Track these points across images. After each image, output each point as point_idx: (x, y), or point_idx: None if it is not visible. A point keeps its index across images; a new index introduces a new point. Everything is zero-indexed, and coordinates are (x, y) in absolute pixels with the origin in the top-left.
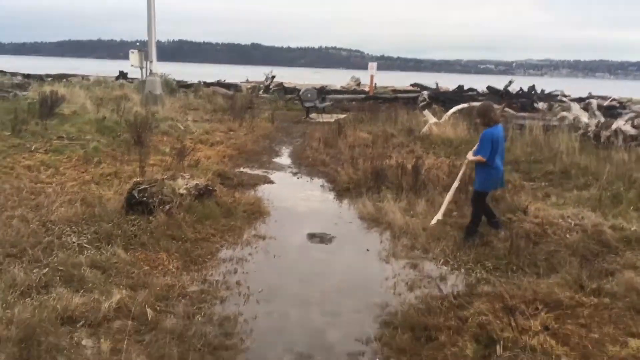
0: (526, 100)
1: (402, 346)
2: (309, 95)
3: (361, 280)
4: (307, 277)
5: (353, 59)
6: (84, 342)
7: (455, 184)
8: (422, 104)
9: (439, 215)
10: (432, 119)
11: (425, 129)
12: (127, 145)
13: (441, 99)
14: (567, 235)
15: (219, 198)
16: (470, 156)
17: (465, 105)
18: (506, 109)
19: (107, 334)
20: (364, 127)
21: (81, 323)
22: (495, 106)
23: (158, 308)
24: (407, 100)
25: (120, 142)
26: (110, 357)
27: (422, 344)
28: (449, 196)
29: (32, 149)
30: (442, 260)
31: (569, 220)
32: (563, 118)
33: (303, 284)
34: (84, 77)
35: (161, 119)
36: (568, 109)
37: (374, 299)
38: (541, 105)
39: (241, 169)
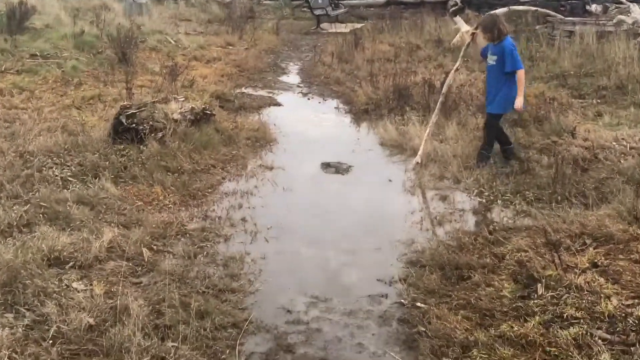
0: (577, 2)
1: (431, 287)
2: (320, 1)
3: (383, 214)
4: (321, 212)
5: None
6: (74, 285)
7: (439, 105)
8: (453, 8)
9: (418, 157)
10: (465, 27)
11: (456, 38)
12: (110, 63)
13: (475, 3)
14: (621, 161)
15: (218, 124)
16: (519, 100)
17: (505, 9)
18: (552, 13)
19: (99, 276)
20: (384, 38)
21: (70, 264)
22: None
23: (155, 248)
24: (435, 4)
25: (102, 60)
26: (105, 300)
27: (453, 284)
28: (429, 128)
29: (2, 69)
30: (475, 191)
31: (624, 143)
32: (620, 23)
33: (317, 220)
34: None
35: (148, 32)
36: (627, 12)
37: (398, 236)
38: (594, 7)
39: (243, 90)
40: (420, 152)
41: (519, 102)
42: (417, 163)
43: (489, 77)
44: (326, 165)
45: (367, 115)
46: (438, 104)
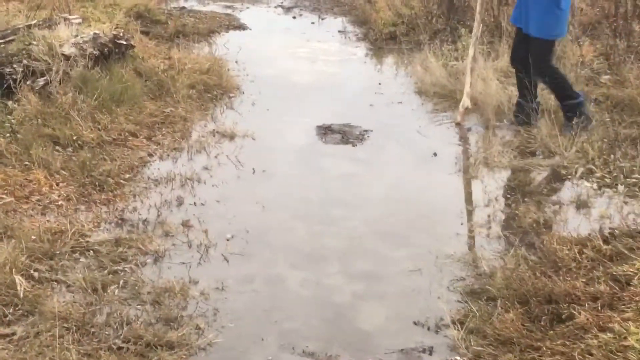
0: None
1: (506, 334)
2: None
3: (422, 214)
4: (318, 210)
5: None
6: None
7: (475, 35)
8: None
9: (465, 100)
10: None
11: None
12: None
13: None
14: None
15: (140, 61)
16: None
17: None
18: None
19: None
20: None
21: None
22: None
23: (36, 275)
24: None
25: None
26: None
27: (544, 329)
28: (469, 61)
29: None
30: (580, 170)
31: None
32: None
33: (310, 224)
34: None
35: None
36: None
37: (449, 248)
38: None
39: (182, 3)
40: (466, 91)
41: None
42: (467, 108)
43: None
44: (326, 130)
45: (394, 43)
46: (475, 24)
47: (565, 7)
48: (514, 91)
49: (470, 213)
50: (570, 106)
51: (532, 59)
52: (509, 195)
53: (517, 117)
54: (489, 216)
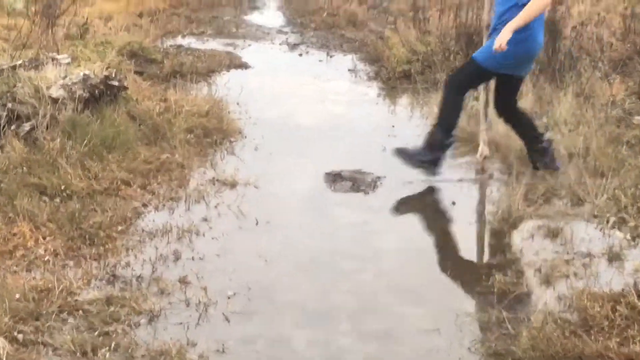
0: None
1: None
2: None
3: (443, 267)
4: (328, 265)
5: None
6: None
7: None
8: None
9: (481, 149)
10: None
11: None
12: None
13: None
14: None
15: (134, 104)
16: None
17: None
18: None
19: None
20: None
21: None
22: None
23: (21, 337)
24: None
25: None
26: None
27: None
28: (482, 106)
29: None
30: (612, 220)
31: None
32: None
33: (319, 281)
34: None
35: None
36: None
37: (469, 306)
38: None
39: (179, 40)
40: (482, 139)
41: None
42: (484, 157)
43: None
44: (335, 177)
45: (408, 82)
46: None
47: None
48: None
49: (492, 267)
50: (435, 137)
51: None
52: (534, 248)
53: (532, 162)
54: (513, 270)
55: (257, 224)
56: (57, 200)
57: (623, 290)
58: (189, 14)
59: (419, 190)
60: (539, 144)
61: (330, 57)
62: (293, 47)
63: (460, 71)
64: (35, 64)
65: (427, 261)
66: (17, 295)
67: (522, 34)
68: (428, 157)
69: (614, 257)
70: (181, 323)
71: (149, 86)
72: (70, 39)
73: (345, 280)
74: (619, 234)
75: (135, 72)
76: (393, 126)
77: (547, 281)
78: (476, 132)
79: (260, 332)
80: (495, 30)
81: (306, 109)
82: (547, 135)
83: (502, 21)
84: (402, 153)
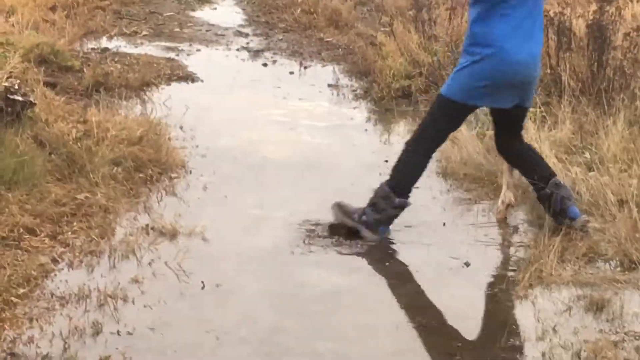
0: None
1: None
2: None
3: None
4: (304, 347)
5: None
6: None
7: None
8: None
9: (505, 195)
10: None
11: None
12: None
13: None
14: None
15: (44, 126)
16: None
17: None
18: None
19: None
20: None
21: None
22: None
23: None
24: None
25: None
26: None
27: None
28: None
29: None
30: None
31: None
32: None
33: None
34: None
35: None
36: None
37: None
38: None
39: (104, 42)
40: (504, 190)
41: None
42: (507, 205)
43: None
44: (309, 228)
45: (407, 103)
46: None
47: (466, 65)
48: (579, 173)
49: (517, 349)
50: (380, 195)
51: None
52: (572, 323)
53: (551, 215)
54: (543, 354)
55: (203, 287)
56: None
57: None
58: (118, 8)
59: (420, 245)
60: (540, 190)
61: (305, 68)
62: (255, 54)
63: (425, 119)
64: None
65: (429, 346)
66: None
67: (489, 47)
68: (372, 217)
69: None
70: None
71: (64, 103)
72: None
73: None
74: None
75: (46, 84)
76: (386, 161)
77: None
78: (496, 170)
79: None
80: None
81: (272, 138)
82: (554, 180)
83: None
84: (339, 208)
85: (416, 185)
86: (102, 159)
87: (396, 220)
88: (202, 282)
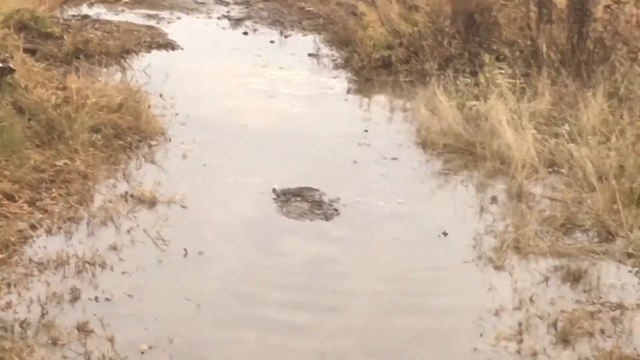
0: None
1: None
2: None
3: (431, 320)
4: (283, 316)
5: None
6: None
7: None
8: None
9: None
10: None
11: None
12: None
13: None
14: None
15: (23, 92)
16: None
17: None
18: None
19: None
20: None
21: None
22: None
23: None
24: None
25: None
26: None
27: None
28: None
29: None
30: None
31: None
32: None
33: (269, 339)
34: None
35: None
36: None
37: None
38: None
39: (84, 9)
40: None
41: None
42: None
43: None
44: (287, 197)
45: (387, 73)
46: None
47: None
48: (559, 144)
49: (493, 318)
50: None
51: None
52: (548, 294)
53: None
54: (520, 324)
55: (185, 255)
56: None
57: None
58: None
59: (399, 216)
60: None
61: (285, 37)
62: (236, 22)
63: None
64: None
65: (411, 312)
66: None
67: None
68: None
69: None
70: None
71: (44, 69)
72: None
73: (302, 336)
74: None
75: (26, 51)
76: (366, 131)
77: (565, 340)
78: (475, 141)
79: None
80: None
81: (252, 106)
82: None
83: None
84: None
85: (395, 156)
86: (82, 126)
87: (376, 189)
88: (185, 250)
